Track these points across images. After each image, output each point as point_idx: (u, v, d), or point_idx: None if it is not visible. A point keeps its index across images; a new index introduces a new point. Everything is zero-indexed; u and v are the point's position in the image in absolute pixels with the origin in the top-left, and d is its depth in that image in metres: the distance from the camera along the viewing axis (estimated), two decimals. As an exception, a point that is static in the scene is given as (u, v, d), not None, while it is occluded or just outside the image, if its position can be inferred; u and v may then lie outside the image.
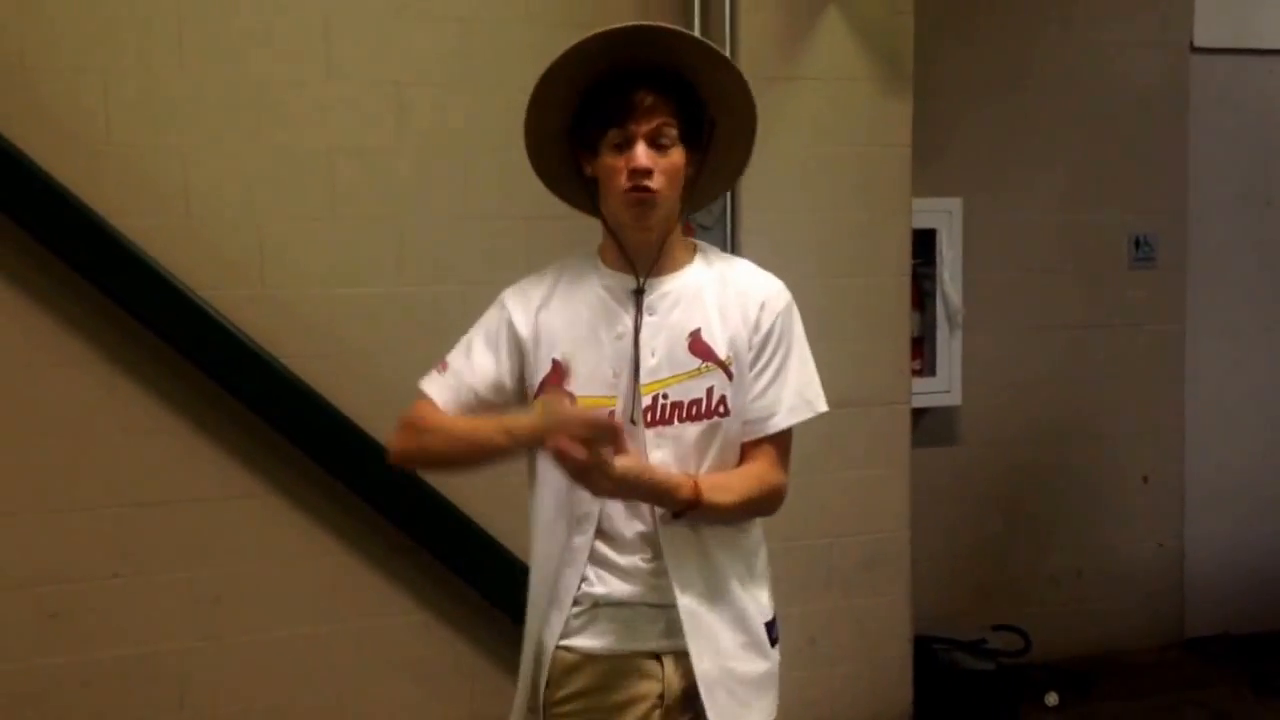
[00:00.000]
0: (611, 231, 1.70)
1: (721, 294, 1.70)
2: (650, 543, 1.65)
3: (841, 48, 3.25)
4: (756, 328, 1.70)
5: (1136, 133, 3.90)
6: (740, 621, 1.70)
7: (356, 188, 3.22)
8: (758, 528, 1.77)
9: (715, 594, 1.67)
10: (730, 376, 1.66)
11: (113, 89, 2.94)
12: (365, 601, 3.29)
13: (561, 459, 1.49)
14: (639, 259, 1.68)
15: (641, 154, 1.59)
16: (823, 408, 1.73)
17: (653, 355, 1.65)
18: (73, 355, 2.93)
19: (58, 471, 2.94)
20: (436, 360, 1.80)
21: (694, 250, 1.75)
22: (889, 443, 3.36)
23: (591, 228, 1.99)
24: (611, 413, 1.61)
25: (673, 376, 1.65)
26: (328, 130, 3.18)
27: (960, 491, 3.81)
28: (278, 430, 3.11)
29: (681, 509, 1.61)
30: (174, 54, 3.00)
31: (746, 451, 1.70)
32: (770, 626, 1.74)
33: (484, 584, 3.31)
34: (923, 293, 3.65)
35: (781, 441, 1.72)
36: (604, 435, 1.50)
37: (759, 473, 1.69)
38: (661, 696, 1.67)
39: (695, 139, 1.67)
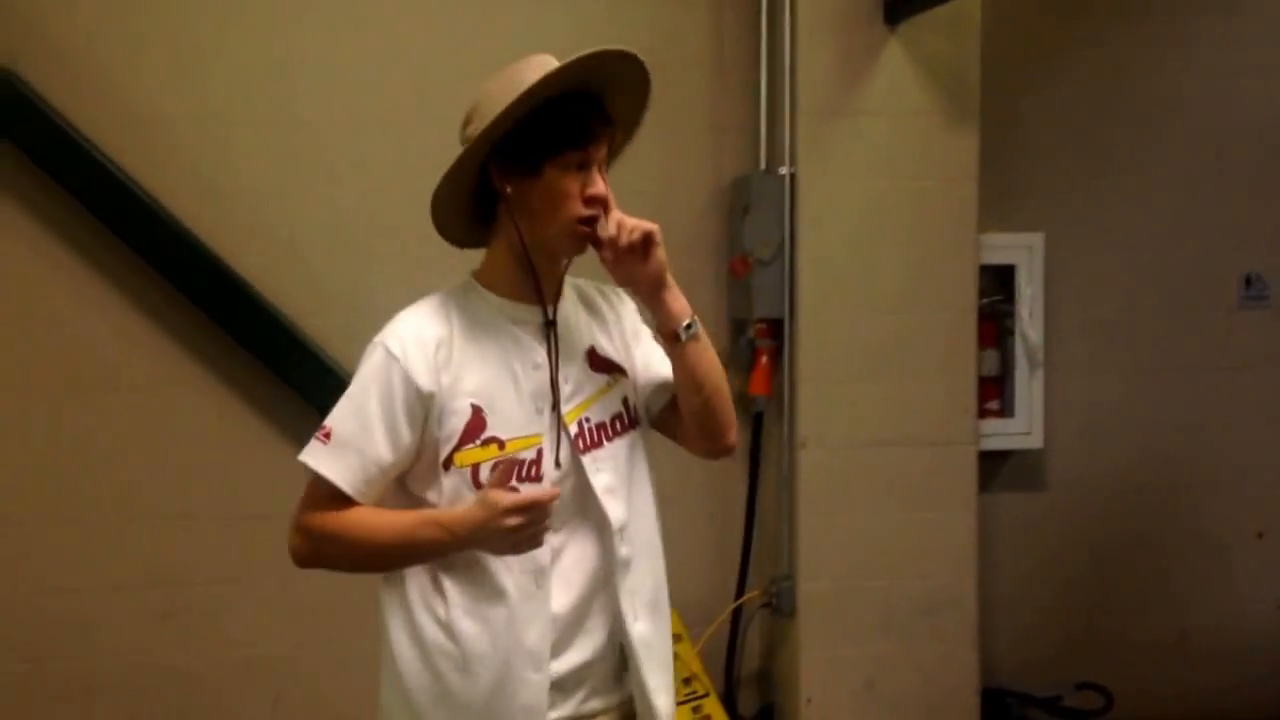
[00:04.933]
0: (522, 258, 1.56)
1: (588, 307, 1.69)
2: (603, 580, 1.59)
3: (902, 81, 3.21)
4: (630, 316, 1.73)
5: (1249, 163, 3.63)
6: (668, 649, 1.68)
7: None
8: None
9: (662, 622, 1.66)
10: (628, 378, 1.68)
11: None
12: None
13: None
14: (548, 289, 1.60)
15: (603, 183, 1.53)
16: None
17: (566, 382, 1.59)
18: (192, 378, 3.15)
19: (175, 483, 3.17)
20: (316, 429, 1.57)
21: None
22: (952, 484, 3.26)
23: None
24: (540, 451, 1.55)
25: (588, 399, 1.61)
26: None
27: (1044, 540, 3.61)
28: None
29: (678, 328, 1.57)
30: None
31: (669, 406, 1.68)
32: None
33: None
34: (1002, 331, 3.52)
35: None
36: (545, 512, 1.47)
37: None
38: None
39: None
